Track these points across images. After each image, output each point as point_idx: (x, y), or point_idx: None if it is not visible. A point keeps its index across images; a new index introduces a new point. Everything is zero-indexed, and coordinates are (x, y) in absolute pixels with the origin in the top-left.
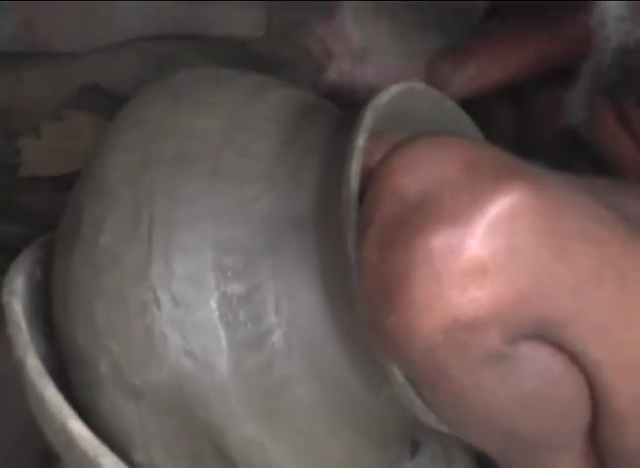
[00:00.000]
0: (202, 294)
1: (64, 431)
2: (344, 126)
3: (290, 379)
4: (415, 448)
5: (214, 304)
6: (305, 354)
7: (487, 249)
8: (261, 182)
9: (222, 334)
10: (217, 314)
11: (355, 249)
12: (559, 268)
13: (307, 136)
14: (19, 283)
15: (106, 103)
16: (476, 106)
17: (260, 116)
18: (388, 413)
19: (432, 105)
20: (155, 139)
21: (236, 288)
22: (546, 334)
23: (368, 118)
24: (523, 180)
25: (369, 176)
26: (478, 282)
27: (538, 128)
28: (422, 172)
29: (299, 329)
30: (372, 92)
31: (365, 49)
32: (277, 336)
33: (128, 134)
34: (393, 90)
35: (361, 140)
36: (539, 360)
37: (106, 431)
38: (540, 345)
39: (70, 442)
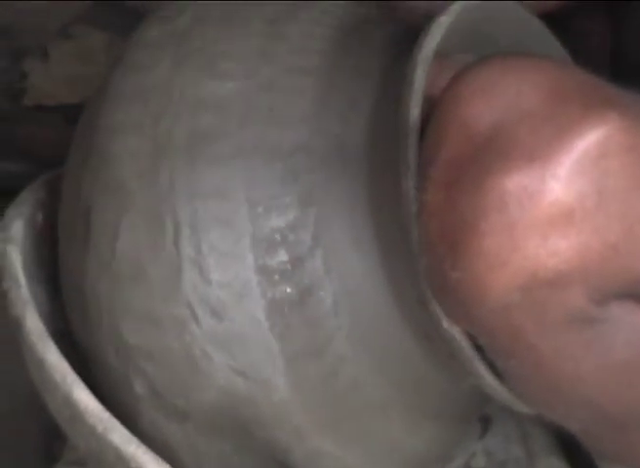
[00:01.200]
0: (247, 304)
1: (69, 402)
2: (404, 46)
3: (357, 383)
4: (485, 425)
5: (262, 314)
6: (370, 350)
7: (572, 192)
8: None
9: (276, 348)
10: (266, 325)
11: (415, 192)
12: None
13: (356, 63)
14: (17, 228)
15: (125, 20)
16: (564, 23)
17: (289, 49)
18: (458, 392)
19: (513, 24)
20: (164, 117)
21: (286, 290)
22: None
23: (434, 32)
24: (617, 111)
25: (432, 106)
26: (561, 231)
27: (636, 48)
28: (497, 100)
29: (360, 325)
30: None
31: None
32: (339, 340)
33: (132, 107)
34: (467, 3)
35: (425, 57)
36: (633, 324)
37: (144, 442)
38: (634, 307)
39: (75, 415)
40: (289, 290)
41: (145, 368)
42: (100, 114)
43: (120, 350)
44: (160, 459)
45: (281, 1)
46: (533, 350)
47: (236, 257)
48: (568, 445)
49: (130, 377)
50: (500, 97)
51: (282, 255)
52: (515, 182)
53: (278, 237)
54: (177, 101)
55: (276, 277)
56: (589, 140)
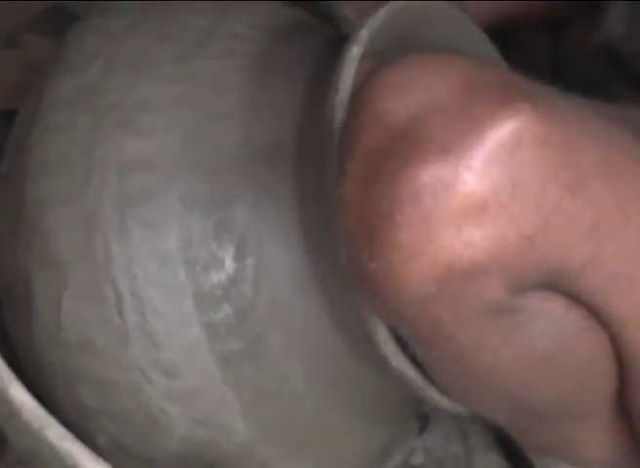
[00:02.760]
0: (197, 361)
1: (5, 399)
2: (337, 47)
3: (316, 412)
4: (423, 422)
5: (213, 368)
6: (323, 381)
7: (486, 183)
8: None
9: (231, 396)
10: (219, 377)
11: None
12: (573, 206)
13: (288, 60)
14: None
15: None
16: (509, 38)
17: (207, 91)
18: (386, 386)
19: (446, 25)
20: (90, 184)
21: (234, 343)
22: (560, 284)
23: (364, 32)
24: (530, 102)
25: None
26: (476, 222)
27: (570, 48)
28: (412, 94)
29: (311, 361)
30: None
31: None
32: (293, 379)
33: (56, 176)
34: (394, 4)
35: (353, 53)
36: (550, 314)
37: None
38: (552, 297)
39: (12, 411)
40: (236, 342)
41: (106, 425)
42: (26, 184)
43: (79, 410)
44: (95, 455)
45: (193, 26)
46: (451, 341)
47: (181, 318)
48: (507, 441)
49: (91, 432)
50: (414, 91)
51: (226, 310)
52: (430, 174)
53: (219, 293)
54: (100, 166)
55: (222, 331)
56: (502, 132)
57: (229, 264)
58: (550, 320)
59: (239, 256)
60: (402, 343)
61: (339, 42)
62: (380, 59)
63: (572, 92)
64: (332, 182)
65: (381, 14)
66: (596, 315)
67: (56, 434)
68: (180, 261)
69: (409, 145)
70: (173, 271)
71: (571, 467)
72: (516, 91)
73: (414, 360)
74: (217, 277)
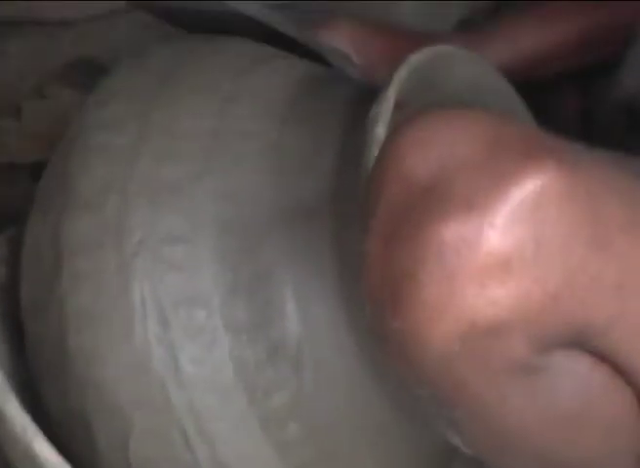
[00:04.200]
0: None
1: (29, 454)
2: (365, 97)
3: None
4: None
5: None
6: (334, 393)
7: (509, 241)
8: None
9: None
10: (259, 432)
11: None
12: (597, 263)
13: (316, 118)
14: None
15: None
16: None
17: (255, 97)
18: (416, 435)
19: (470, 74)
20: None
21: (306, 456)
22: (585, 342)
23: (394, 84)
24: (554, 159)
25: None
26: (499, 280)
27: (596, 105)
28: (435, 151)
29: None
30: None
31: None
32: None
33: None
34: (430, 51)
35: (388, 102)
36: (576, 372)
37: None
38: (577, 355)
39: (35, 466)
40: (308, 453)
41: None
42: (68, 335)
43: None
44: None
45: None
46: (476, 400)
47: (250, 443)
48: None
49: None
50: (437, 148)
51: (292, 427)
52: (452, 232)
53: (284, 413)
54: (140, 310)
55: (292, 447)
56: (526, 189)
57: (289, 384)
58: (575, 378)
59: (297, 373)
60: None
61: (362, 96)
62: (404, 111)
63: (601, 147)
64: (356, 241)
65: (415, 60)
66: (621, 372)
67: None
68: (241, 391)
69: (431, 202)
70: (234, 402)
71: None
72: (540, 147)
73: None
74: (278, 399)
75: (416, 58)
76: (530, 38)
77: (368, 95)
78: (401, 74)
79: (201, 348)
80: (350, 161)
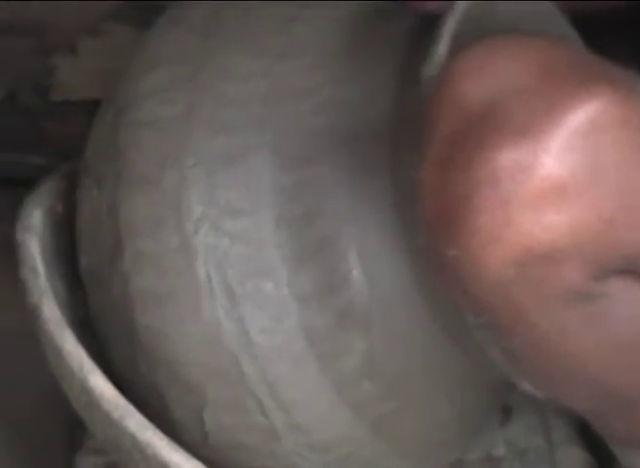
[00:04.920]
0: (349, 434)
1: (85, 389)
2: (419, 31)
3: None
4: (506, 415)
5: (367, 436)
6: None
7: (565, 166)
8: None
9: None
10: (369, 439)
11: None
12: None
13: (375, 44)
14: (36, 218)
15: (153, 17)
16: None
17: (304, 50)
18: (480, 380)
19: (528, 8)
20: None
21: (384, 410)
22: None
23: (458, 10)
24: (610, 86)
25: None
26: (554, 206)
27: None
28: (489, 77)
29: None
30: None
31: None
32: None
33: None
34: None
35: (446, 38)
36: (633, 299)
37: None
38: (633, 282)
39: (92, 401)
40: (385, 407)
41: None
42: (135, 313)
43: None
44: (175, 445)
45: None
46: (534, 328)
47: (327, 406)
48: (590, 434)
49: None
50: (491, 75)
51: (366, 386)
52: (507, 157)
53: (357, 374)
54: (205, 287)
55: (369, 404)
56: (581, 115)
57: (360, 346)
58: (632, 305)
59: (367, 335)
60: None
61: (420, 26)
62: (459, 44)
63: None
64: (412, 168)
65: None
66: None
67: (137, 424)
68: (312, 358)
69: (486, 129)
70: (307, 369)
71: None
72: (595, 73)
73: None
74: (351, 361)
75: None
76: None
77: (424, 27)
78: (459, 7)
79: (270, 319)
80: (407, 102)
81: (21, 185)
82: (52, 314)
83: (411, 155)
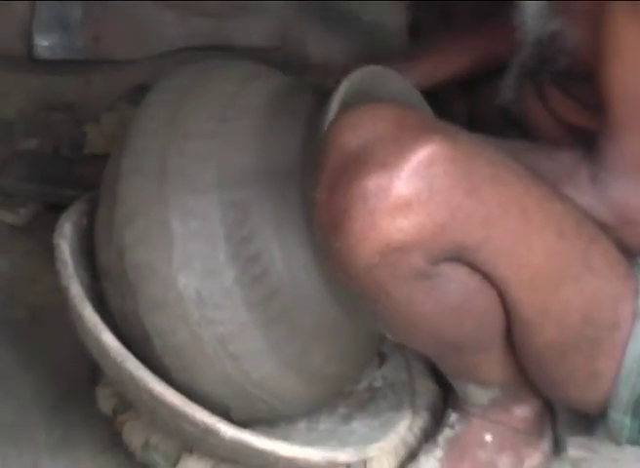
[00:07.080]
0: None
1: (98, 343)
2: (322, 101)
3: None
4: (382, 358)
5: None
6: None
7: (410, 188)
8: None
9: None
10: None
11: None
12: (470, 204)
13: (292, 111)
14: (67, 228)
15: None
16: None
17: (247, 100)
18: (360, 328)
19: (393, 86)
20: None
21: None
22: (463, 257)
23: (343, 86)
24: (441, 135)
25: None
26: (404, 214)
27: (484, 110)
28: (361, 129)
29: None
30: None
31: None
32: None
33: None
34: (365, 70)
35: (335, 104)
36: (457, 278)
37: None
38: (458, 266)
39: (103, 351)
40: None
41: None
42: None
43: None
44: (160, 379)
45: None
46: (390, 297)
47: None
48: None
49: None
50: (363, 128)
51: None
52: (372, 182)
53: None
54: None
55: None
56: (422, 154)
57: (279, 301)
58: (458, 282)
59: (284, 296)
60: None
61: (323, 97)
62: (343, 108)
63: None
64: (312, 190)
65: (355, 75)
66: (488, 278)
67: (133, 365)
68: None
69: (359, 164)
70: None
71: (475, 386)
72: (431, 127)
73: None
74: (273, 309)
75: (355, 74)
76: (440, 66)
77: (325, 97)
78: (344, 84)
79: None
80: (312, 140)
81: (63, 209)
82: (76, 292)
83: (312, 182)
